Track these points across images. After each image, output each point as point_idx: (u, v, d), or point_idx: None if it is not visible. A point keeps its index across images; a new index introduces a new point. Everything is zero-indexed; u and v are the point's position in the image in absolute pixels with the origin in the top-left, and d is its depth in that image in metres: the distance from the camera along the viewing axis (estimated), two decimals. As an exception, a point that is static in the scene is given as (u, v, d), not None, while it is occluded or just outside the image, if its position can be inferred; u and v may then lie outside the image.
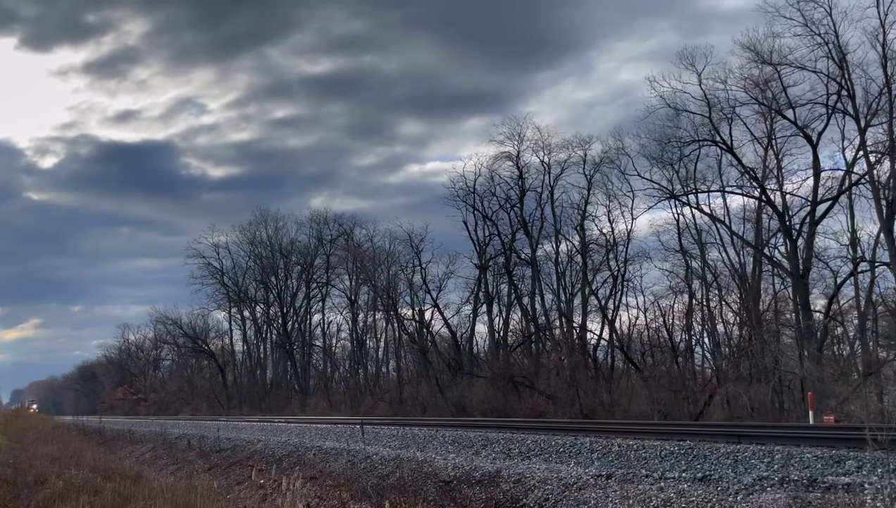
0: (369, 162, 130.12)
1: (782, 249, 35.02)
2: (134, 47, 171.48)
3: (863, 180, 31.45)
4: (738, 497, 10.60)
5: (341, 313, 63.95)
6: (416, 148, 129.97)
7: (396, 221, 71.10)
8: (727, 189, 36.06)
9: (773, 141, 34.24)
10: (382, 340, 59.59)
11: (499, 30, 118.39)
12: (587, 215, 43.04)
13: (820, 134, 32.50)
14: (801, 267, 32.45)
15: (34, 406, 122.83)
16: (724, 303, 38.75)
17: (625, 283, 41.67)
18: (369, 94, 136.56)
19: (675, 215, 38.47)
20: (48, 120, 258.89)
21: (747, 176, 34.90)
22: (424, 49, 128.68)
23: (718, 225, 36.88)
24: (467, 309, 50.61)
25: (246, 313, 72.49)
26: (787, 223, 33.56)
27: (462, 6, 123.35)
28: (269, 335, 71.18)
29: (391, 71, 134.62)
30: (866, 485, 9.96)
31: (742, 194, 36.01)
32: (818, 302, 34.40)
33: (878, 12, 29.01)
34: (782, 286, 36.08)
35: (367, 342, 60.69)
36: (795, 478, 10.80)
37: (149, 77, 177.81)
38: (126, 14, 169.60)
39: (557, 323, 44.61)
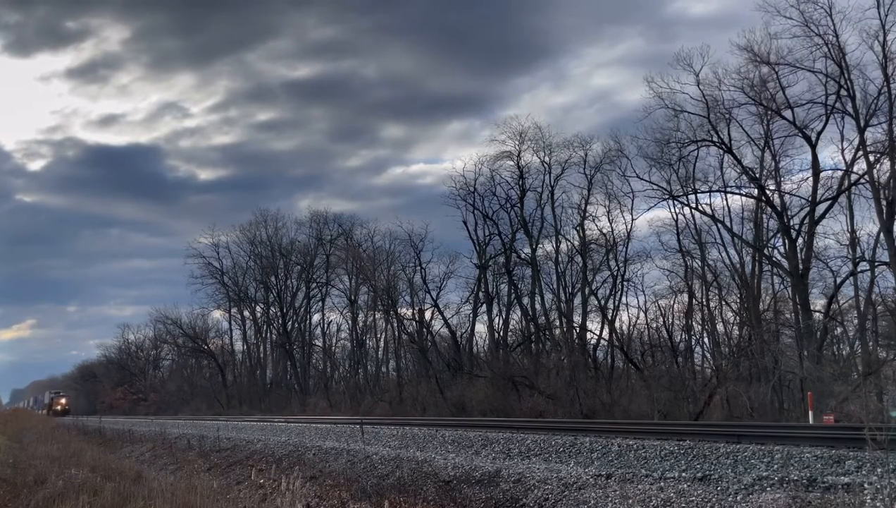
0: (354, 164, 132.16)
1: (782, 249, 35.06)
2: (114, 53, 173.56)
3: (862, 180, 31.47)
4: (738, 497, 10.60)
5: (341, 313, 64.07)
6: (400, 151, 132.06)
7: (396, 221, 71.41)
8: (727, 189, 36.13)
9: (772, 141, 34.30)
10: (382, 340, 59.69)
11: (470, 36, 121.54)
12: (587, 214, 43.11)
13: (819, 134, 32.58)
14: (800, 267, 32.46)
15: (63, 400, 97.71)
16: (723, 303, 38.78)
17: (625, 283, 41.75)
18: (350, 98, 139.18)
19: (675, 215, 38.54)
20: (33, 123, 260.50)
21: (746, 176, 34.95)
22: (399, 55, 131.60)
23: (718, 225, 36.93)
24: (467, 309, 50.70)
25: (246, 313, 72.61)
26: (787, 223, 33.57)
27: (432, 13, 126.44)
28: (268, 334, 71.22)
29: (369, 76, 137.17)
30: (866, 485, 9.96)
31: (741, 194, 36.09)
32: (818, 302, 34.47)
33: (879, 13, 29.08)
34: (782, 286, 36.14)
35: (367, 341, 60.75)
36: (795, 478, 10.80)
37: (130, 82, 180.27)
38: (105, 21, 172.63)
39: (557, 323, 44.65)
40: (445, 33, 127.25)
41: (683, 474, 12.30)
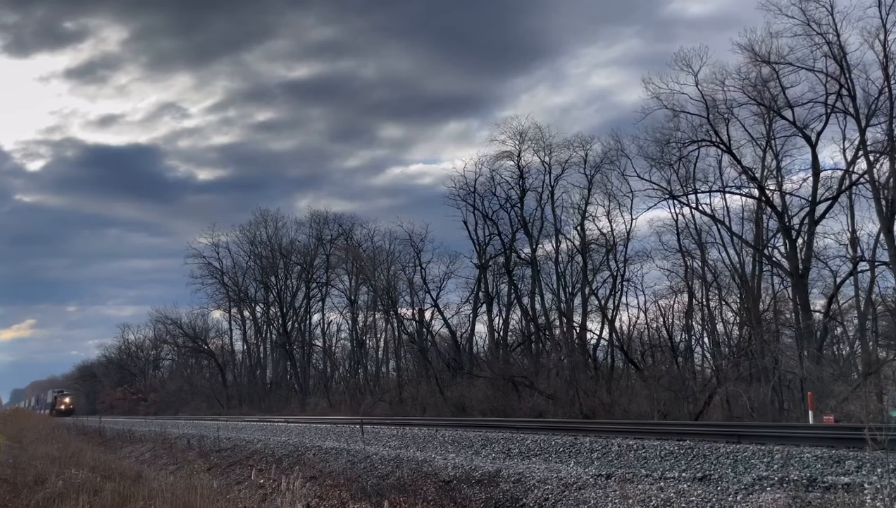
0: (352, 165, 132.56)
1: (782, 249, 35.06)
2: (113, 54, 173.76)
3: (862, 180, 31.48)
4: (738, 497, 10.60)
5: (341, 313, 64.05)
6: (398, 151, 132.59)
7: (396, 220, 71.40)
8: (727, 189, 36.12)
9: (773, 141, 34.29)
10: (382, 340, 59.63)
11: (468, 37, 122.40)
12: (587, 214, 43.10)
13: (819, 134, 32.58)
14: (800, 267, 32.46)
15: (67, 399, 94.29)
16: (723, 303, 38.79)
17: (625, 283, 41.75)
18: (348, 98, 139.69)
19: (675, 215, 38.54)
20: (32, 124, 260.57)
21: (746, 176, 34.95)
22: (397, 55, 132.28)
23: (718, 225, 36.93)
24: (467, 309, 50.64)
25: (246, 313, 72.55)
26: (787, 223, 33.57)
27: (430, 14, 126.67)
28: (268, 334, 71.19)
29: (368, 76, 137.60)
30: (866, 485, 9.96)
31: (741, 194, 36.08)
32: (818, 302, 34.49)
33: (880, 13, 29.08)
34: (782, 286, 36.15)
35: (367, 341, 60.71)
36: (795, 478, 10.80)
37: (129, 82, 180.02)
38: (103, 21, 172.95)
39: (557, 323, 44.63)
40: (443, 34, 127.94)
41: (683, 474, 12.29)
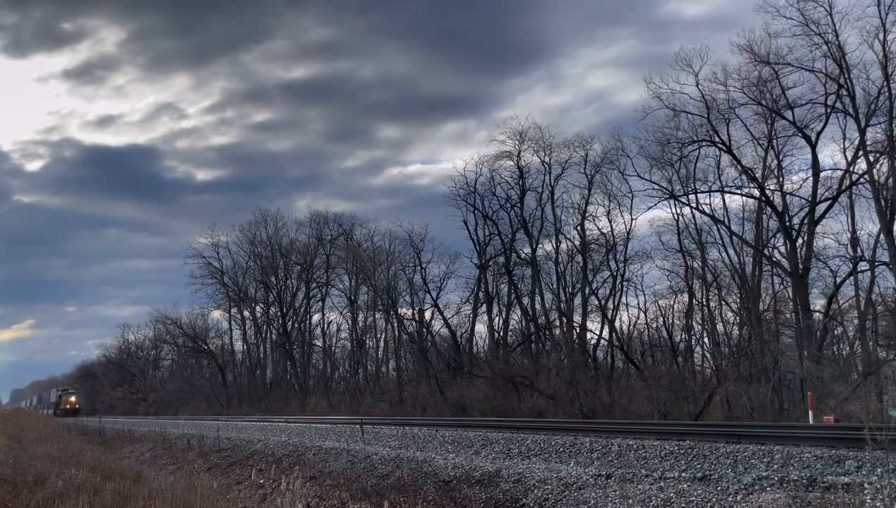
0: (351, 165, 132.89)
1: (782, 249, 35.06)
2: (110, 54, 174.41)
3: (862, 180, 31.48)
4: (738, 497, 10.60)
5: (341, 313, 64.05)
6: (396, 151, 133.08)
7: (396, 220, 71.43)
8: (727, 189, 36.12)
9: (773, 141, 34.29)
10: (382, 340, 59.64)
11: (466, 38, 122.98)
12: (587, 214, 43.09)
13: (819, 134, 32.57)
14: (800, 267, 32.46)
15: (72, 398, 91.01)
16: (723, 303, 38.80)
17: (625, 283, 41.74)
18: (346, 99, 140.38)
19: (675, 215, 38.54)
20: (31, 124, 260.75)
21: (746, 176, 34.95)
22: (395, 56, 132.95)
23: (718, 225, 36.93)
24: (467, 309, 50.64)
25: (246, 313, 72.58)
26: (787, 223, 33.56)
27: (427, 15, 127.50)
28: (268, 334, 71.21)
29: (366, 77, 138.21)
30: (866, 485, 9.96)
31: (742, 194, 36.09)
32: (818, 302, 34.49)
33: (879, 12, 29.06)
34: (782, 286, 36.16)
35: (367, 341, 60.71)
36: (795, 478, 10.80)
37: (126, 83, 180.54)
38: (101, 22, 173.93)
39: (557, 323, 44.62)
40: (441, 35, 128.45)
41: (683, 474, 12.29)
